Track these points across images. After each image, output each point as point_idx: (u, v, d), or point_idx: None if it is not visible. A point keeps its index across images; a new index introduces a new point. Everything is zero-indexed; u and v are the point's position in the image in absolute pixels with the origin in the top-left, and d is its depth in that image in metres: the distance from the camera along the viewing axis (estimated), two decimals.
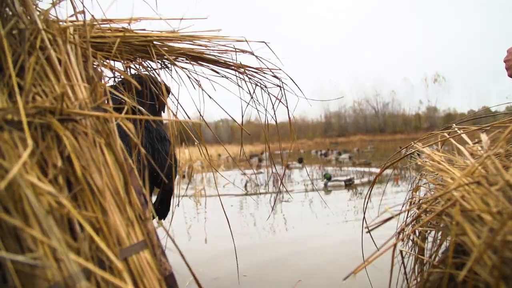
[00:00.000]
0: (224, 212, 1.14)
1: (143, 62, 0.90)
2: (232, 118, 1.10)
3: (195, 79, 0.99)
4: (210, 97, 1.01)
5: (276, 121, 1.11)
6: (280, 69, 1.03)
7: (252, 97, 1.05)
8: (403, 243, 0.93)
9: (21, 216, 0.49)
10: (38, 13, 0.67)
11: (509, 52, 1.44)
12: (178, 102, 0.98)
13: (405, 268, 0.84)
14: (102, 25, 0.83)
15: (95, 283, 0.50)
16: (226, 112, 1.06)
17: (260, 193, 5.92)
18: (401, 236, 0.78)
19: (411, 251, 0.89)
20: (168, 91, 1.17)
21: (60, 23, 0.71)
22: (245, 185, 6.77)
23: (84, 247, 0.50)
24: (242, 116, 1.09)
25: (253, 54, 0.97)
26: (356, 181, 6.78)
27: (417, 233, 0.86)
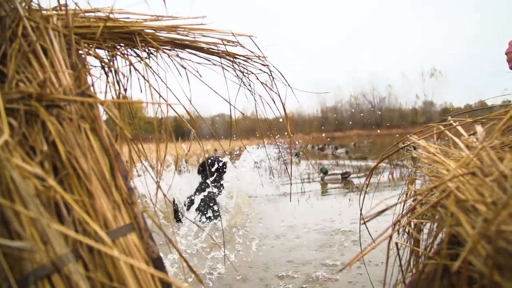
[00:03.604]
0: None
1: (128, 50, 0.89)
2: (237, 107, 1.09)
3: (193, 73, 0.98)
4: (209, 86, 1.00)
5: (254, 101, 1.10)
6: (265, 57, 1.02)
7: (241, 84, 1.04)
8: (399, 236, 0.94)
9: (7, 198, 0.49)
10: (19, 0, 0.67)
11: (511, 45, 1.43)
12: (177, 97, 0.97)
13: (400, 260, 0.85)
14: (86, 14, 0.82)
15: (83, 265, 0.51)
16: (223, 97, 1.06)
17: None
18: (396, 227, 0.78)
19: (406, 243, 0.89)
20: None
21: (44, 11, 0.71)
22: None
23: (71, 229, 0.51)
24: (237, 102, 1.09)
25: (240, 44, 0.96)
26: (353, 175, 6.81)
27: (412, 225, 0.86)
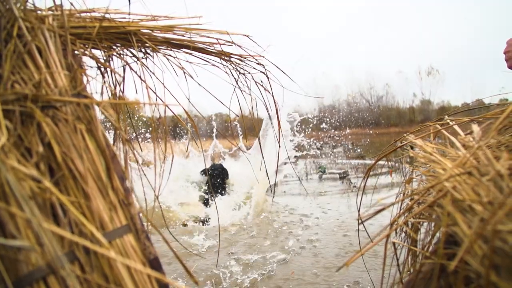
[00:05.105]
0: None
1: (124, 50, 0.88)
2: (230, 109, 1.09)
3: (186, 72, 0.97)
4: (200, 85, 1.00)
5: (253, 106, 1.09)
6: (262, 57, 1.01)
7: (237, 84, 1.04)
8: (396, 235, 0.94)
9: (2, 200, 0.49)
10: (14, 0, 0.66)
11: (509, 44, 1.44)
12: (174, 96, 0.96)
13: (397, 259, 0.85)
14: (82, 14, 0.82)
15: (79, 267, 0.51)
16: (218, 99, 1.05)
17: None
18: (393, 227, 0.78)
19: (404, 242, 0.90)
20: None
21: (39, 12, 0.71)
22: None
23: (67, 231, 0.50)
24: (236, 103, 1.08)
25: (235, 44, 0.96)
26: (351, 174, 6.82)
27: (409, 225, 0.87)
